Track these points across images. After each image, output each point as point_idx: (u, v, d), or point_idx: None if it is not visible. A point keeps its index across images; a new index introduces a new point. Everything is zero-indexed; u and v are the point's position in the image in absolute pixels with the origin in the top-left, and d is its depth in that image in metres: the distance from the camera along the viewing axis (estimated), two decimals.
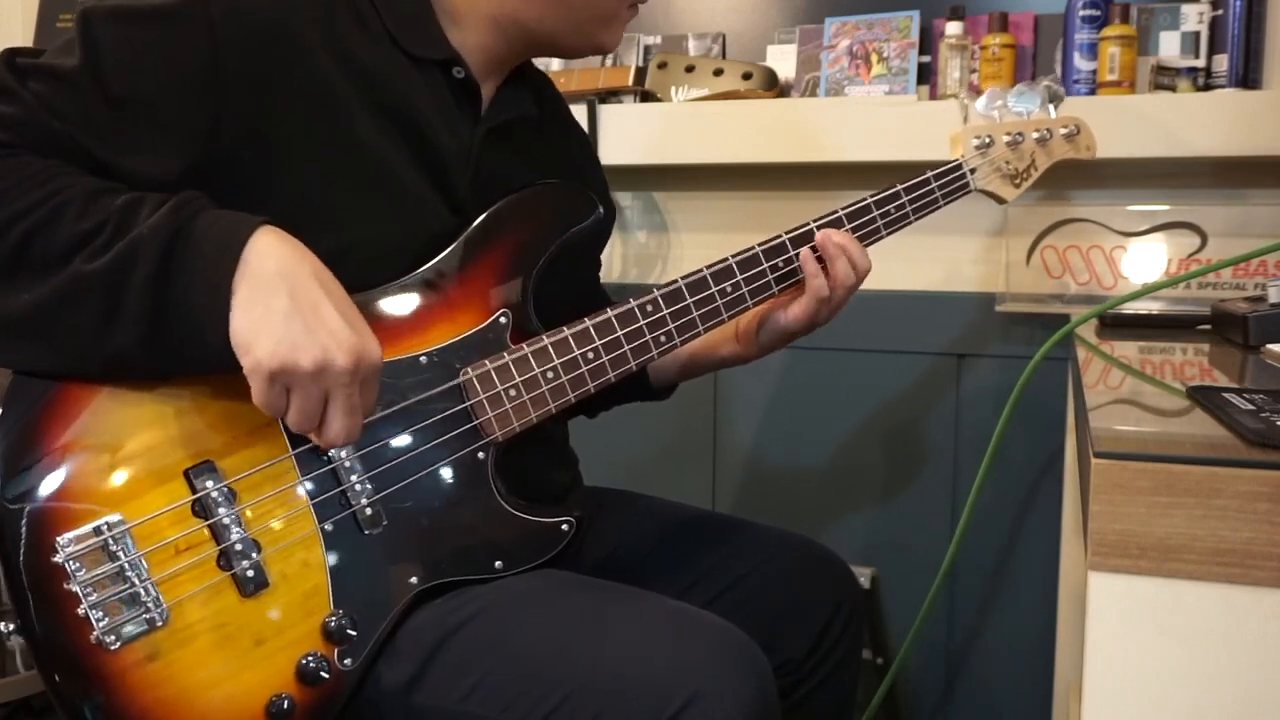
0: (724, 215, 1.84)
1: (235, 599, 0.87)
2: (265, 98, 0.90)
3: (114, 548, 0.83)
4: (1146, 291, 1.40)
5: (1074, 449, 1.40)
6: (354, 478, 0.91)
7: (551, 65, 1.84)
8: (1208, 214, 1.55)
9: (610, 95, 1.79)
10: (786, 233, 1.07)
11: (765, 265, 1.07)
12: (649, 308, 1.02)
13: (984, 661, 1.75)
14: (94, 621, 0.82)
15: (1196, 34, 1.56)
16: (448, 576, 0.94)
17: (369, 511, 0.92)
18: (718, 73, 1.77)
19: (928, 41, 1.69)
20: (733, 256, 1.06)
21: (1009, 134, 1.16)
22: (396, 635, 0.92)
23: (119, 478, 0.85)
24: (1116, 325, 1.37)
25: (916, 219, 1.12)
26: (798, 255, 1.07)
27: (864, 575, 1.74)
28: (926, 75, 1.69)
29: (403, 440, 0.94)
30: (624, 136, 1.73)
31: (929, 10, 1.68)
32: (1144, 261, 1.58)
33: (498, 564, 0.96)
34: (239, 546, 0.87)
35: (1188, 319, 1.35)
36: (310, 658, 0.88)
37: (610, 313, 1.01)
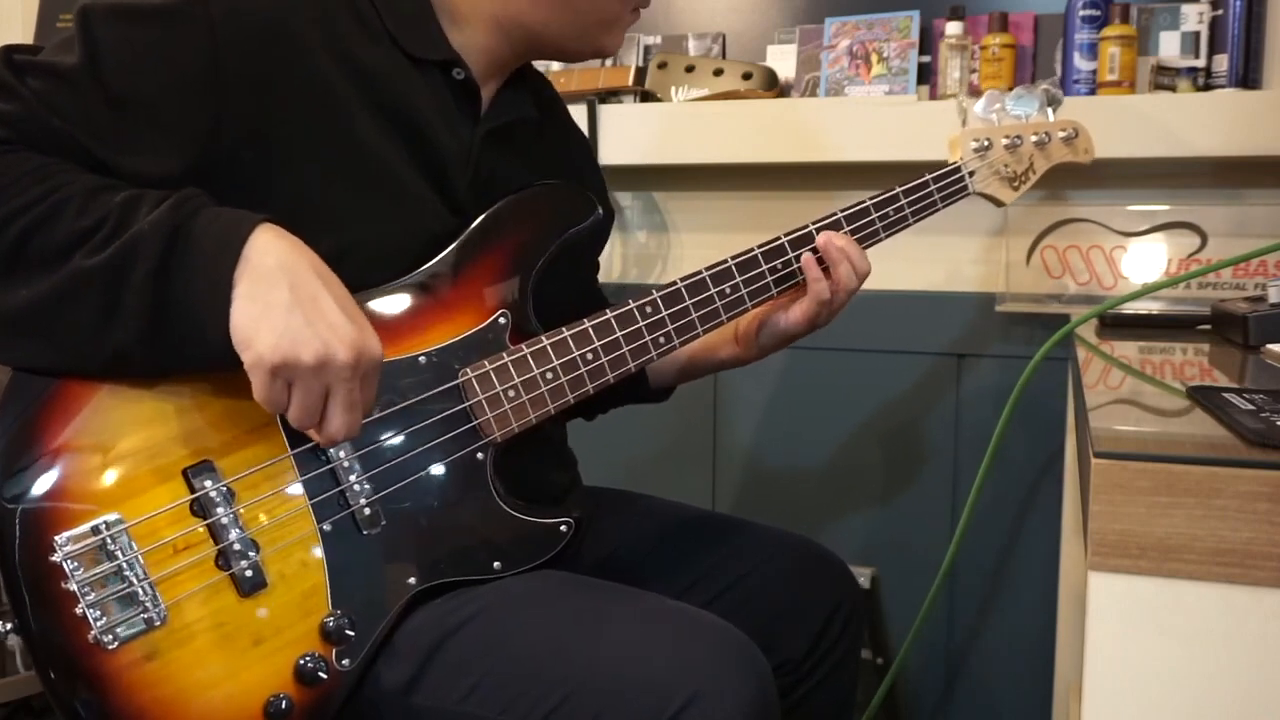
0: (724, 215, 1.84)
1: (233, 599, 0.87)
2: (265, 98, 0.90)
3: (112, 547, 0.83)
4: (1146, 291, 1.40)
5: (1074, 449, 1.40)
6: (353, 478, 0.91)
7: (552, 65, 1.83)
8: (1208, 214, 1.55)
9: (610, 95, 1.79)
10: (785, 235, 1.07)
11: (764, 267, 1.07)
12: (648, 309, 1.02)
13: (984, 661, 1.75)
14: (92, 621, 0.82)
15: (1196, 34, 1.56)
16: (446, 577, 0.94)
17: (368, 512, 0.92)
18: (718, 73, 1.77)
19: (928, 41, 1.69)
20: (732, 258, 1.06)
21: (1007, 137, 1.17)
22: (395, 636, 0.92)
23: (117, 476, 0.85)
24: (1116, 325, 1.37)
25: (915, 221, 1.12)
26: (797, 257, 1.07)
27: (864, 575, 1.74)
28: (926, 75, 1.69)
29: (402, 440, 0.94)
30: (624, 136, 1.73)
31: (929, 10, 1.68)
32: (1144, 261, 1.58)
33: (496, 564, 0.96)
34: (237, 546, 0.87)
35: (1188, 319, 1.35)
36: (308, 658, 0.88)
37: (609, 314, 1.01)
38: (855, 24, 1.71)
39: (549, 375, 0.98)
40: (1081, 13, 1.55)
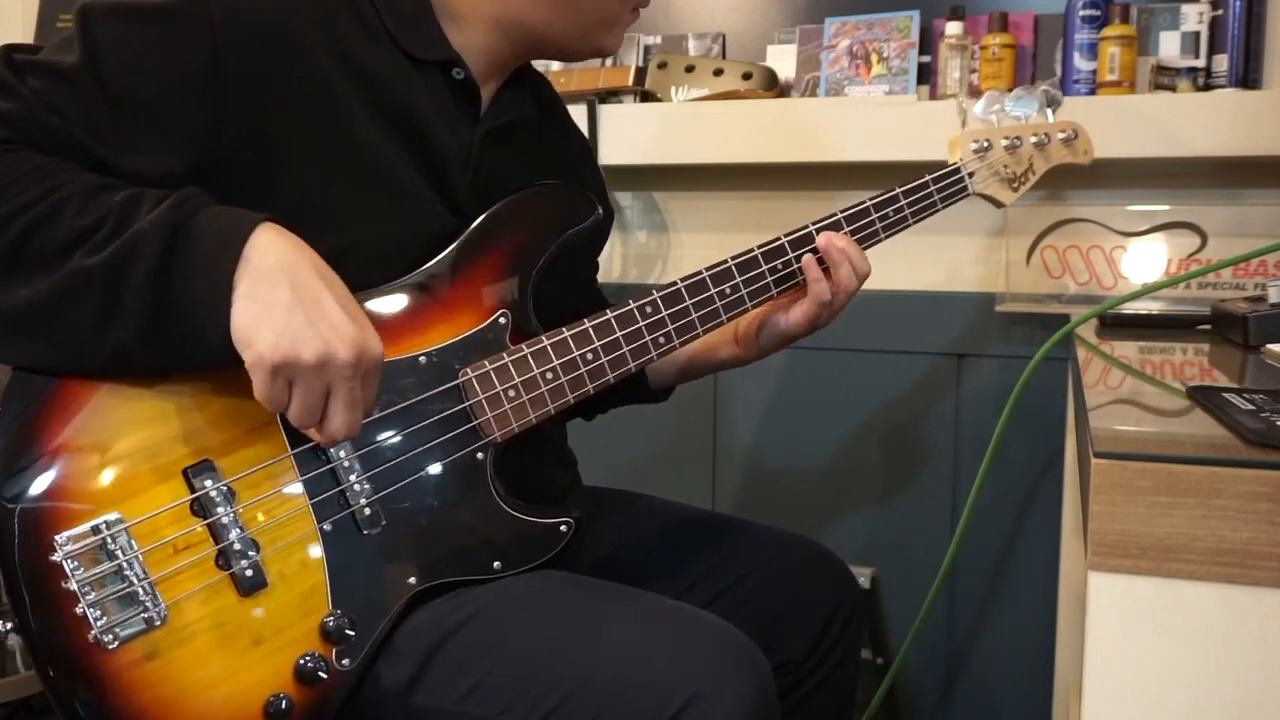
0: (724, 215, 1.84)
1: (234, 598, 0.87)
2: (265, 98, 0.90)
3: (112, 546, 0.83)
4: (1146, 291, 1.40)
5: (1074, 449, 1.40)
6: (353, 477, 0.91)
7: (552, 65, 1.84)
8: (1207, 214, 1.55)
9: (610, 95, 1.79)
10: (785, 235, 1.08)
11: (764, 267, 1.07)
12: (648, 309, 1.02)
13: (984, 661, 1.75)
14: (92, 620, 0.82)
15: (1196, 34, 1.56)
16: (446, 577, 0.94)
17: (368, 511, 0.92)
18: (718, 73, 1.77)
19: (928, 41, 1.69)
20: (732, 258, 1.06)
21: (1006, 138, 1.17)
22: (395, 636, 0.92)
23: (117, 476, 0.85)
24: (1116, 325, 1.37)
25: (915, 222, 1.12)
26: (797, 258, 1.07)
27: (864, 575, 1.74)
28: (926, 75, 1.69)
29: (402, 440, 0.94)
30: (624, 136, 1.73)
31: (929, 10, 1.68)
32: (1144, 261, 1.58)
33: (496, 564, 0.96)
34: (237, 546, 0.87)
35: (1188, 319, 1.35)
36: (308, 658, 0.88)
37: (609, 314, 1.01)
38: (855, 24, 1.71)
39: (549, 375, 0.98)
40: (1081, 13, 1.55)
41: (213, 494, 0.87)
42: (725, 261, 1.06)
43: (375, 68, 0.95)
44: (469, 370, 0.96)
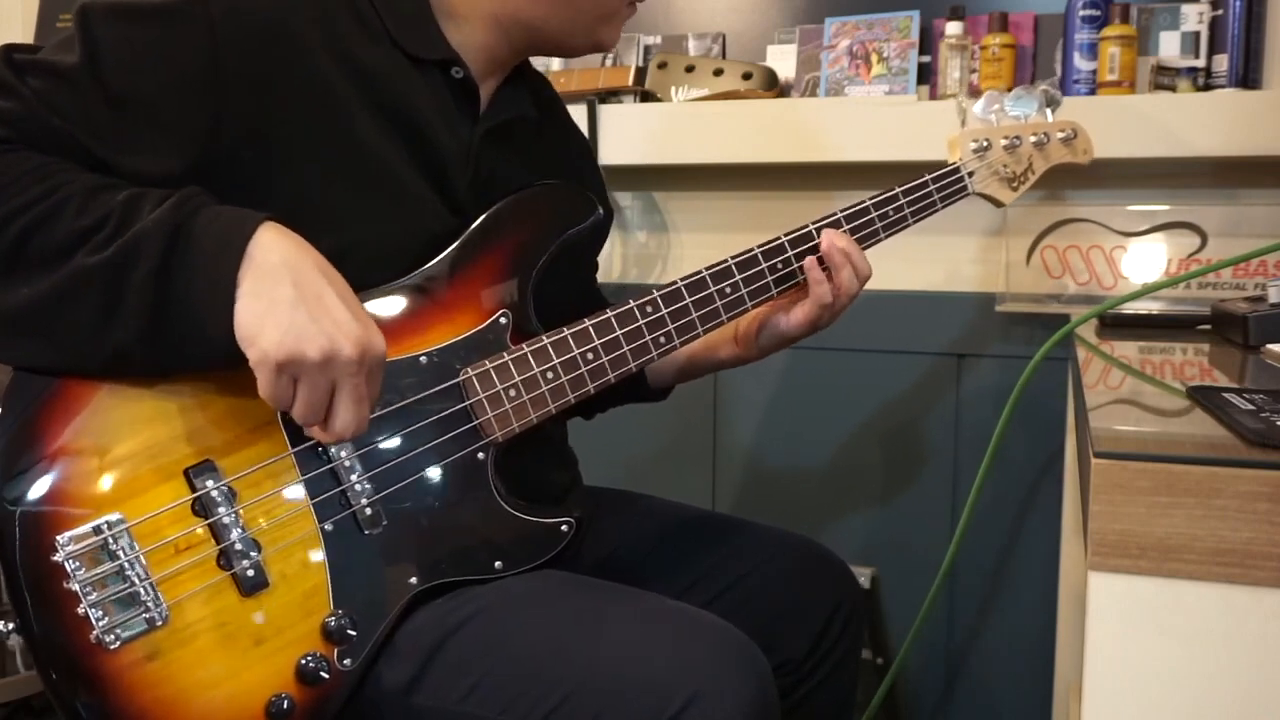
0: (724, 215, 1.84)
1: (235, 598, 0.87)
2: (265, 98, 0.90)
3: (113, 547, 0.83)
4: (1146, 291, 1.40)
5: (1074, 449, 1.40)
6: (354, 477, 0.91)
7: (552, 65, 1.84)
8: (1207, 214, 1.55)
9: (610, 95, 1.79)
10: (785, 234, 1.08)
11: (764, 266, 1.07)
12: (648, 308, 1.02)
13: (984, 661, 1.75)
14: (93, 621, 0.82)
15: (1196, 34, 1.56)
16: (447, 577, 0.94)
17: (369, 511, 0.92)
18: (718, 73, 1.77)
19: (928, 41, 1.69)
20: (732, 258, 1.06)
21: (1006, 138, 1.17)
22: (396, 635, 0.92)
23: (119, 476, 0.85)
24: (1116, 325, 1.37)
25: (915, 221, 1.12)
26: (797, 257, 1.07)
27: (864, 575, 1.74)
28: (926, 75, 1.69)
29: (402, 440, 0.94)
30: (624, 136, 1.73)
31: (929, 10, 1.68)
32: (1144, 261, 1.58)
33: (497, 564, 0.96)
34: (239, 546, 0.87)
35: (1188, 319, 1.35)
36: (310, 658, 0.88)
37: (609, 313, 1.01)
38: (855, 24, 1.71)
39: (549, 375, 0.98)
40: (1081, 13, 1.55)
41: (214, 494, 0.87)
42: (725, 261, 1.06)
43: (375, 67, 0.95)
44: (469, 370, 0.96)
